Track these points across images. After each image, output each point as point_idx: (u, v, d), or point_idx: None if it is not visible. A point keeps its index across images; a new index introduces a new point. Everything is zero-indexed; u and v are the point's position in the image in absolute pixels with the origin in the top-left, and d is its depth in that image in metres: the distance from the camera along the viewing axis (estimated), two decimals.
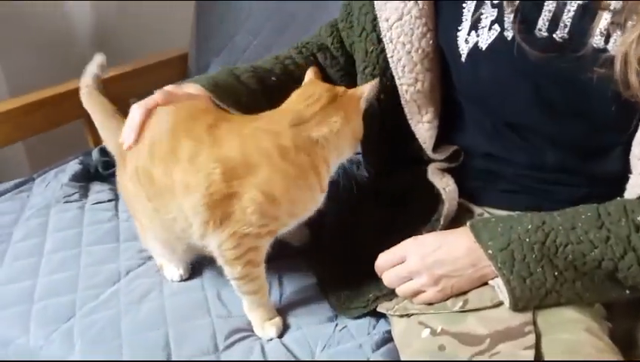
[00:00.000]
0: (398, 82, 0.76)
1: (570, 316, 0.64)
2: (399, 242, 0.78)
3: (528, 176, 0.75)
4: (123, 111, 1.47)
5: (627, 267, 0.61)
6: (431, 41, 0.74)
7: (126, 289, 0.91)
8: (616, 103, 0.63)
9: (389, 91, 0.78)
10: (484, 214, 0.79)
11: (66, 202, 1.13)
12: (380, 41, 0.77)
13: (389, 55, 0.75)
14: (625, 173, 0.67)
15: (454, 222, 0.76)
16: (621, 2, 0.61)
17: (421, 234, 0.75)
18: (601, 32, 0.62)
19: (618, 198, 0.66)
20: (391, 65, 0.76)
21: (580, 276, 0.63)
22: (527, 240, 0.63)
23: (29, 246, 1.01)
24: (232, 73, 0.84)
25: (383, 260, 0.74)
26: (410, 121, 0.77)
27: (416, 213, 0.79)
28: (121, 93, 1.47)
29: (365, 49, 0.79)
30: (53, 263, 0.97)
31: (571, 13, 0.64)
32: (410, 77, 0.75)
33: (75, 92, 1.38)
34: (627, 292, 0.64)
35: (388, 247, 0.79)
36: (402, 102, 0.77)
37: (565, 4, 0.64)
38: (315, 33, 0.95)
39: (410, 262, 0.71)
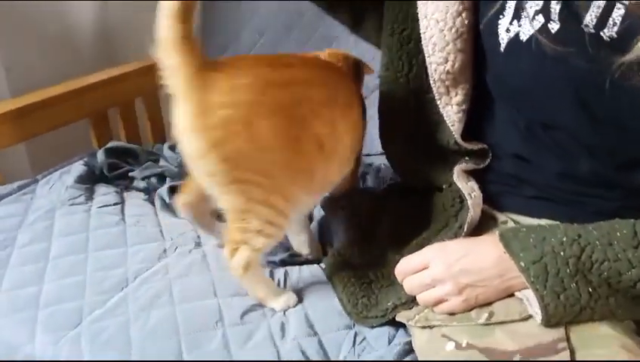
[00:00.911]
0: (427, 60, 0.72)
1: (604, 332, 0.61)
2: (418, 249, 0.75)
3: (558, 184, 0.71)
4: (127, 113, 1.46)
5: None
6: (466, 21, 0.70)
7: (134, 295, 0.88)
8: None
9: (418, 70, 0.74)
10: (508, 222, 0.76)
11: (72, 205, 1.11)
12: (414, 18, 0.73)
13: (422, 31, 0.72)
14: None
15: (476, 229, 0.74)
16: None
17: (443, 241, 0.73)
18: None
19: None
20: (422, 42, 0.72)
21: (614, 293, 0.60)
22: (562, 253, 0.60)
23: (34, 251, 0.98)
24: None
25: (405, 265, 0.72)
26: (438, 102, 0.74)
27: (438, 219, 0.76)
28: (126, 93, 1.45)
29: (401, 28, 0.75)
30: (59, 268, 0.94)
31: (622, 11, 0.59)
32: (440, 55, 0.71)
33: (79, 92, 1.37)
34: None
35: (407, 254, 0.77)
36: (430, 81, 0.73)
37: (615, 3, 0.60)
38: None
39: (434, 269, 0.68)
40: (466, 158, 0.76)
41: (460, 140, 0.74)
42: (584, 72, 0.62)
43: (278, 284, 0.89)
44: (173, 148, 1.30)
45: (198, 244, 1.00)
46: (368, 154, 1.20)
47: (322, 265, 0.94)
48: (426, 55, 0.72)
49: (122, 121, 1.45)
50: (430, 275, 0.68)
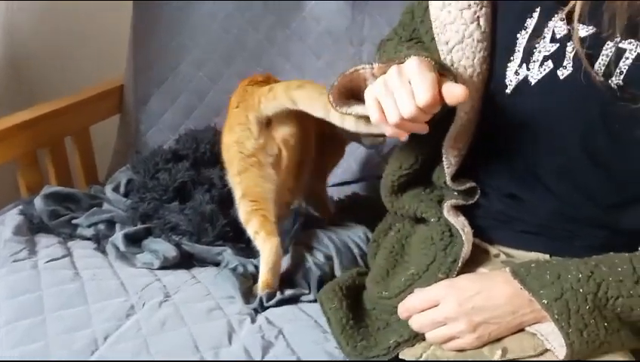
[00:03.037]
0: (459, 106, 0.71)
1: None
2: (408, 286, 0.76)
3: (549, 222, 0.74)
4: (57, 152, 1.36)
5: None
6: (489, 67, 0.71)
7: (108, 358, 0.82)
8: None
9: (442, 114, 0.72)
10: (500, 255, 0.78)
11: (15, 261, 1.01)
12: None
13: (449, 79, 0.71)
14: None
15: (468, 262, 0.75)
16: None
17: (436, 276, 0.74)
18: None
19: None
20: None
21: (622, 326, 0.63)
22: (581, 290, 0.62)
23: None
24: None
25: (412, 303, 0.72)
26: (444, 144, 0.74)
27: (425, 253, 0.77)
28: (53, 131, 1.35)
29: None
30: (14, 335, 0.85)
31: (629, 61, 0.63)
32: (468, 104, 0.71)
33: (3, 133, 1.25)
34: None
35: (396, 291, 0.77)
36: (453, 127, 0.73)
37: (625, 51, 0.63)
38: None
39: (446, 306, 0.69)
40: (455, 194, 0.78)
41: (449, 182, 0.76)
42: (590, 118, 0.65)
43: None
44: (117, 190, 1.23)
45: (167, 296, 0.94)
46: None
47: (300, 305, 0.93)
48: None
49: (52, 162, 1.35)
50: (442, 313, 0.69)
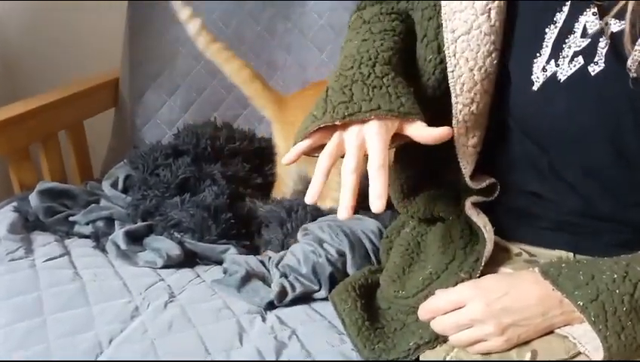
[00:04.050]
0: (454, 100, 0.69)
1: None
2: (426, 285, 0.74)
3: (573, 219, 0.72)
4: (50, 147, 1.32)
5: None
6: (495, 62, 0.68)
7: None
8: None
9: (438, 107, 0.71)
10: (522, 253, 0.76)
11: (11, 260, 0.97)
12: (440, 50, 0.70)
13: (449, 69, 0.69)
14: None
15: (489, 262, 0.73)
16: None
17: (457, 276, 0.72)
18: None
19: None
20: (450, 81, 0.69)
21: None
22: (617, 291, 0.60)
23: None
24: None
25: (435, 304, 0.69)
26: (455, 143, 0.71)
27: (444, 251, 0.75)
28: (46, 125, 1.30)
29: (424, 56, 0.72)
30: (12, 338, 0.82)
31: None
32: (467, 96, 0.68)
33: None
34: None
35: (414, 291, 0.75)
36: (454, 121, 0.70)
37: None
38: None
39: (472, 308, 0.66)
40: (474, 191, 0.76)
41: (469, 181, 0.73)
42: (620, 115, 0.63)
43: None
44: (115, 186, 1.19)
45: (172, 296, 0.91)
46: None
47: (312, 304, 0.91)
48: (453, 94, 0.69)
49: (46, 157, 1.30)
50: (468, 315, 0.66)
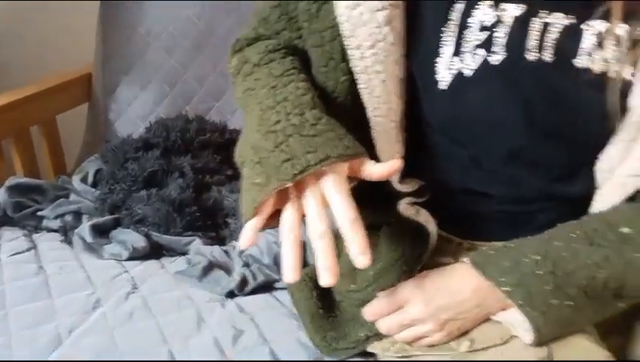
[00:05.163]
0: (371, 113, 0.68)
1: (585, 345, 0.64)
2: (376, 281, 0.74)
3: (503, 208, 0.73)
4: (22, 142, 1.32)
5: (631, 281, 0.62)
6: (404, 68, 0.67)
7: (71, 353, 0.79)
8: (600, 122, 0.62)
9: (357, 120, 0.68)
10: (463, 243, 0.77)
11: None
12: (350, 70, 0.67)
13: (362, 85, 0.67)
14: (590, 190, 0.68)
15: (433, 254, 0.74)
16: (606, 24, 0.60)
17: (401, 270, 0.72)
18: (587, 53, 0.61)
19: (596, 213, 0.67)
20: (364, 96, 0.67)
21: (590, 300, 0.62)
22: (540, 272, 0.61)
23: None
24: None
25: (378, 308, 0.70)
26: (378, 153, 0.70)
27: (392, 248, 0.74)
28: (19, 121, 1.31)
29: (335, 78, 0.69)
30: None
31: (556, 35, 0.62)
32: (384, 108, 0.67)
33: None
34: (623, 305, 0.64)
35: (364, 286, 0.75)
36: (373, 133, 0.69)
37: (549, 25, 0.62)
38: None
39: (412, 309, 0.68)
40: (407, 194, 0.76)
41: (398, 186, 0.73)
42: (531, 96, 0.63)
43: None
44: (84, 180, 1.20)
45: (134, 287, 0.92)
46: None
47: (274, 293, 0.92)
48: (370, 108, 0.67)
49: (18, 153, 1.31)
50: (409, 316, 0.68)
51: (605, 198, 0.67)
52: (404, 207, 0.74)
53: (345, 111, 0.68)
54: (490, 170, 0.71)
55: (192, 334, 0.82)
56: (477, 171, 0.71)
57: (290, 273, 0.54)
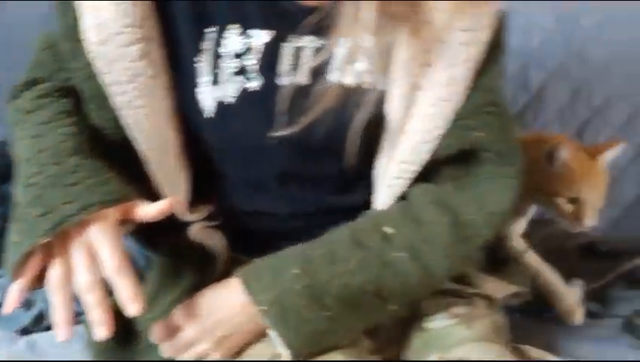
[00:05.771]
0: (143, 147, 0.65)
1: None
2: (169, 312, 0.70)
3: (291, 224, 0.74)
4: None
5: (390, 283, 0.63)
6: (171, 100, 0.66)
7: None
8: (363, 134, 0.64)
9: (136, 157, 0.66)
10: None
11: None
12: (115, 107, 0.64)
13: (128, 120, 0.64)
14: (369, 198, 0.71)
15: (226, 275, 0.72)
16: (350, 39, 0.61)
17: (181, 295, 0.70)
18: (339, 69, 0.63)
19: (368, 214, 0.69)
20: (131, 131, 0.64)
21: (350, 307, 0.63)
22: (297, 286, 0.62)
23: None
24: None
25: (157, 335, 0.68)
26: (160, 186, 0.67)
27: (183, 275, 0.72)
28: None
29: (103, 116, 0.65)
30: None
31: (307, 57, 0.64)
32: (157, 140, 0.65)
33: None
34: (393, 308, 0.65)
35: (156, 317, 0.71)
36: (150, 169, 0.66)
37: (301, 48, 0.64)
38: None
39: (187, 332, 0.66)
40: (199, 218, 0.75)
41: (189, 216, 0.71)
42: (291, 118, 0.64)
43: None
44: None
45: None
46: None
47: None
48: (140, 143, 0.65)
49: None
50: (185, 339, 0.66)
51: (380, 203, 0.69)
52: (195, 232, 0.73)
53: (122, 147, 0.66)
54: (270, 190, 0.72)
55: None
56: (259, 193, 0.72)
57: (61, 331, 0.54)
